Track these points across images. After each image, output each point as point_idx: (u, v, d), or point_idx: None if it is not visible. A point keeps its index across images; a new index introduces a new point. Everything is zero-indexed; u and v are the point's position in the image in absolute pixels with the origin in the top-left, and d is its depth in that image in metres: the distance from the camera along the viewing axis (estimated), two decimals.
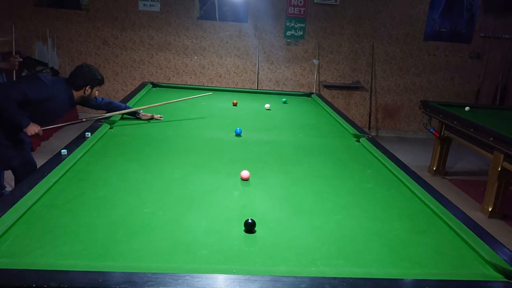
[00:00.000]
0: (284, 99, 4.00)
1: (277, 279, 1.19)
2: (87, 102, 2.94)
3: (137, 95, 3.63)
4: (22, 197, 1.57)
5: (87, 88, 2.82)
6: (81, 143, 2.25)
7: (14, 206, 1.49)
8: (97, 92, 2.91)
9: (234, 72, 6.35)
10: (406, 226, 1.65)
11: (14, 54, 4.49)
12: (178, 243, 1.39)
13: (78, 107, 6.18)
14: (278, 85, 6.40)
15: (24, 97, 2.58)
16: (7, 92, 2.57)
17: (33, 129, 2.67)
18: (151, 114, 3.06)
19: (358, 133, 2.90)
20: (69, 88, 2.80)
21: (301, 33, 6.23)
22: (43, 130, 2.73)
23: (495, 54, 6.48)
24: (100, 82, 2.89)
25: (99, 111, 3.07)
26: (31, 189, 1.64)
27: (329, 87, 6.47)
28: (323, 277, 1.21)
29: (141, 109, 3.06)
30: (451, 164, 5.27)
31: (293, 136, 2.90)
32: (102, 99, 3.06)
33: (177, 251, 1.34)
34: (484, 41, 6.42)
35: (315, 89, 6.39)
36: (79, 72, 2.81)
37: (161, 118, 3.06)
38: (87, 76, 2.81)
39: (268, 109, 3.52)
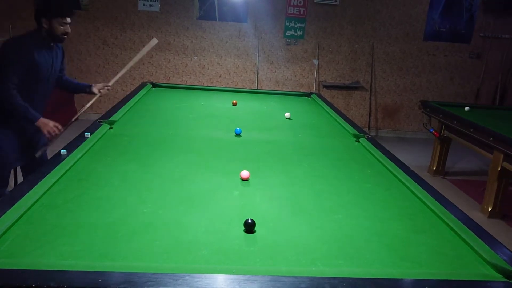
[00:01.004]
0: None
1: (277, 279, 1.18)
2: (58, 39, 2.60)
3: (136, 95, 3.63)
4: (21, 197, 1.57)
5: (44, 21, 2.50)
6: (81, 143, 2.25)
7: (13, 206, 1.49)
8: (61, 27, 2.53)
9: (234, 72, 6.35)
10: (406, 226, 1.65)
11: None
12: (178, 243, 1.39)
13: (78, 106, 6.18)
14: (278, 85, 6.40)
15: (18, 78, 2.47)
16: (8, 89, 2.46)
17: (44, 123, 2.55)
18: (101, 85, 3.01)
19: (358, 133, 2.90)
20: (37, 29, 2.55)
21: (301, 33, 6.23)
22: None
23: (495, 54, 6.48)
24: (54, 11, 2.50)
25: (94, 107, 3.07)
26: (30, 189, 1.64)
27: (328, 87, 6.47)
28: (323, 277, 1.21)
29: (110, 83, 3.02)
30: (451, 164, 5.28)
31: (293, 136, 2.90)
32: (63, 77, 2.93)
33: (177, 251, 1.34)
34: (484, 41, 6.43)
35: (315, 89, 6.39)
36: (35, 8, 2.55)
37: (108, 89, 3.03)
38: (39, 7, 2.51)
39: (289, 118, 3.35)
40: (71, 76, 6.10)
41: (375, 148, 2.57)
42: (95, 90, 2.98)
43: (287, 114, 3.40)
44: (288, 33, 6.22)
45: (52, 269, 1.16)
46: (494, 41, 6.42)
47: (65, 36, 2.61)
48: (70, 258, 1.26)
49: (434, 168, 4.94)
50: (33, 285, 1.08)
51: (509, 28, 6.39)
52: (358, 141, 2.79)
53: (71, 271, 1.16)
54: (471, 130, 4.00)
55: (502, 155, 3.63)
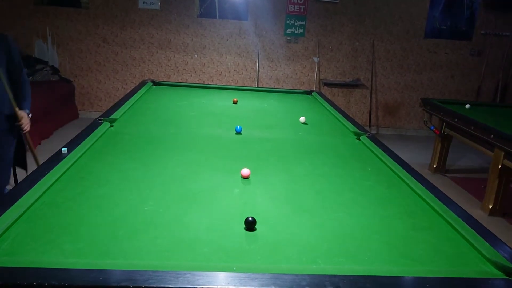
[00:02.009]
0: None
1: (277, 277, 1.19)
2: None
3: (137, 93, 3.63)
4: (22, 196, 1.57)
5: None
6: (82, 141, 2.25)
7: (14, 205, 1.49)
8: None
9: (235, 70, 6.34)
10: (407, 224, 1.65)
11: None
12: (179, 241, 1.39)
13: (79, 105, 6.19)
14: (279, 83, 6.40)
15: None
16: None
17: None
18: (21, 116, 2.60)
19: (359, 131, 2.90)
20: None
21: (301, 30, 6.22)
22: None
23: (496, 51, 6.47)
24: None
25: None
26: (31, 188, 1.65)
27: (329, 85, 6.46)
28: (324, 274, 1.21)
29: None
30: (452, 162, 5.27)
31: (293, 134, 2.90)
32: (22, 85, 2.64)
33: (178, 249, 1.34)
34: (485, 39, 6.41)
35: (316, 87, 6.39)
36: None
37: (24, 128, 2.63)
38: None
39: (304, 123, 3.15)
40: (72, 74, 6.12)
41: (375, 146, 2.57)
42: (20, 113, 2.59)
43: (302, 119, 3.18)
44: (288, 31, 6.21)
45: (53, 267, 1.16)
46: (495, 39, 6.41)
47: None
48: (71, 256, 1.26)
49: (434, 166, 4.94)
50: (34, 283, 1.08)
51: (510, 25, 6.37)
52: (359, 139, 2.79)
53: (73, 269, 1.16)
54: (472, 127, 4.00)
55: (503, 153, 3.63)
